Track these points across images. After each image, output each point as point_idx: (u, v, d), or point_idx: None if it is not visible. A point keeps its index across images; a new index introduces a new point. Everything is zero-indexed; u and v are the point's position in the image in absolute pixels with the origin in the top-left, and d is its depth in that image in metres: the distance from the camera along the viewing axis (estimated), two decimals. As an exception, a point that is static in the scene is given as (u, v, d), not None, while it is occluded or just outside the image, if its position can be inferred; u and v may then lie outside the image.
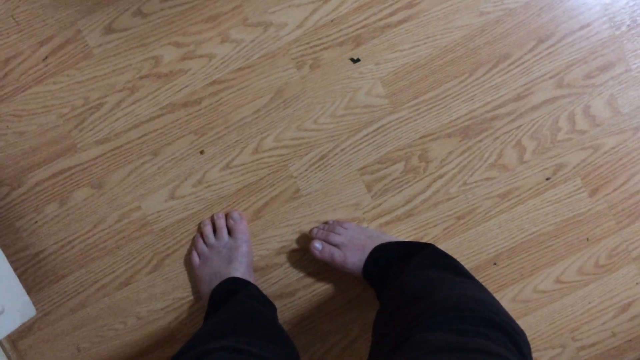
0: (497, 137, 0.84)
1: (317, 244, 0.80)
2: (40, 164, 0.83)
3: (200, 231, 0.84)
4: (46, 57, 0.82)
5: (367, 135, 0.84)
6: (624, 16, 0.82)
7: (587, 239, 0.85)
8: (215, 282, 0.79)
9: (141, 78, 0.83)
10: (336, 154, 0.84)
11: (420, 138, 0.84)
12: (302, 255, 0.85)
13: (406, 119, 0.84)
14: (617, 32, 0.82)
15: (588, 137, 0.84)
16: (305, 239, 0.85)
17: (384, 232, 0.84)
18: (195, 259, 0.83)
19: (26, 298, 0.79)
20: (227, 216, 0.83)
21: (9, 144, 0.83)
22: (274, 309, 0.81)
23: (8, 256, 0.82)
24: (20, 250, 0.84)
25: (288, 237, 0.85)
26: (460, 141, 0.84)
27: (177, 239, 0.85)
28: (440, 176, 0.84)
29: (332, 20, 0.82)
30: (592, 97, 0.83)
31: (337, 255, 0.78)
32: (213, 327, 0.67)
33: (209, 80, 0.83)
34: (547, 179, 0.84)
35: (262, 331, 0.67)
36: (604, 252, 0.85)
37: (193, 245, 0.84)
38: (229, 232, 0.83)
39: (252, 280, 0.81)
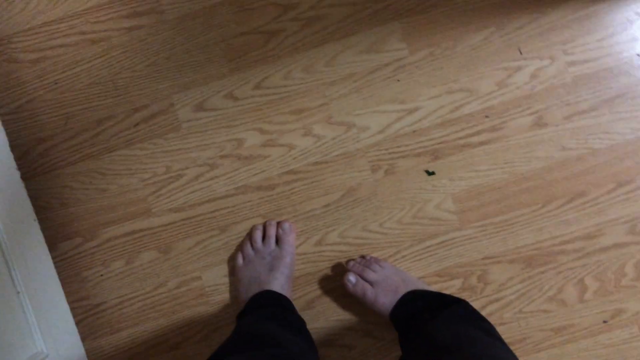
0: (560, 272, 0.83)
1: (352, 277, 0.80)
2: (115, 221, 0.87)
3: (249, 234, 0.86)
4: (137, 124, 0.86)
5: (430, 246, 0.85)
6: None
7: (636, 390, 0.84)
8: (253, 288, 0.80)
9: (222, 157, 0.86)
10: (396, 259, 0.85)
11: (483, 259, 0.84)
12: (348, 351, 0.87)
13: (472, 238, 0.84)
14: (701, 189, 0.81)
15: (653, 287, 0.82)
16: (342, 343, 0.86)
17: (420, 279, 0.84)
18: (239, 260, 0.85)
19: (82, 351, 0.83)
20: (278, 225, 0.85)
21: (89, 198, 0.87)
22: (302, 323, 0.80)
23: (70, 302, 0.86)
24: (83, 299, 0.88)
25: (337, 331, 0.87)
26: (522, 269, 0.84)
27: (228, 314, 0.87)
28: (497, 299, 0.84)
29: (413, 131, 0.84)
30: (664, 249, 0.82)
31: (370, 292, 0.78)
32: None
33: (286, 169, 0.86)
34: (605, 321, 0.83)
35: None
36: (652, 405, 0.84)
37: (240, 246, 0.86)
38: (277, 241, 0.85)
39: (288, 294, 0.81)
